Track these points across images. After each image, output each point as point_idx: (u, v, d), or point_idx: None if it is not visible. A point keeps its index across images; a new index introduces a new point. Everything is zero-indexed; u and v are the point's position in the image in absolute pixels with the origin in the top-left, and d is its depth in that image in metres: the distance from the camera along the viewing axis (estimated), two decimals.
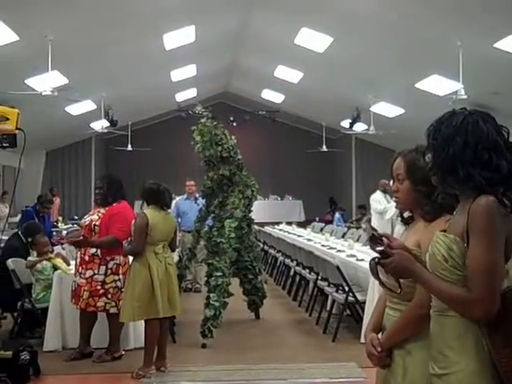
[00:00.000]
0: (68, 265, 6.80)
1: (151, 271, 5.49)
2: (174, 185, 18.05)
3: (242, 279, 7.87)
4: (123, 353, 6.10)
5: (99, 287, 5.93)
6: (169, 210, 5.95)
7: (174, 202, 12.28)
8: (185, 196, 10.61)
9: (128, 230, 5.71)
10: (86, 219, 6.21)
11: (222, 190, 7.61)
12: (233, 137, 7.55)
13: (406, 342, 2.37)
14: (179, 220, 10.29)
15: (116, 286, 5.94)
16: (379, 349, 2.43)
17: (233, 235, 7.19)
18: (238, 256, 7.63)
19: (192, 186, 10.10)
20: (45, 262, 6.83)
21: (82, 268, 6.02)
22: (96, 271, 5.96)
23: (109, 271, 5.95)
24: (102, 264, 5.96)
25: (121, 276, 5.96)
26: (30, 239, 7.32)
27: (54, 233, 11.96)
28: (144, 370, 5.53)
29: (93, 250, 6.01)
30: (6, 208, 12.22)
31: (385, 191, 11.80)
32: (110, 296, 5.91)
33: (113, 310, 5.93)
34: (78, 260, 6.13)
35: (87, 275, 5.97)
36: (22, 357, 5.21)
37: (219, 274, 7.04)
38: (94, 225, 6.03)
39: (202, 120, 7.38)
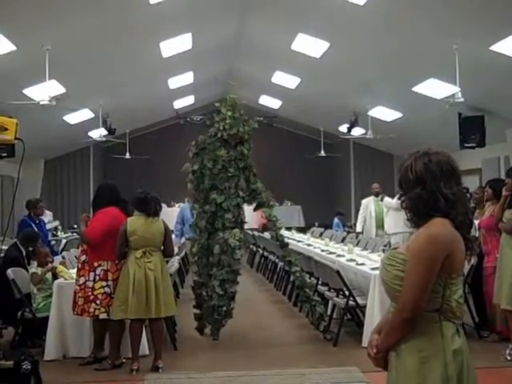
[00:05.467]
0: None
1: (129, 275, 5.79)
2: (173, 192, 18.14)
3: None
4: (124, 361, 6.09)
5: (90, 293, 6.01)
6: (156, 218, 6.07)
7: (179, 208, 12.40)
8: (189, 203, 10.70)
9: (99, 231, 5.96)
10: None
11: (225, 172, 7.22)
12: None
13: (397, 344, 2.40)
14: (183, 228, 10.32)
15: (105, 292, 5.99)
16: (375, 350, 2.47)
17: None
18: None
19: None
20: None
21: (77, 275, 6.18)
22: (87, 277, 6.06)
23: (97, 277, 6.03)
24: (91, 270, 6.05)
25: (109, 282, 6.00)
26: (30, 248, 7.31)
27: (54, 242, 11.94)
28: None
29: (83, 257, 6.10)
30: None
31: (376, 194, 11.93)
32: (98, 302, 5.96)
33: (102, 316, 5.99)
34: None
35: (80, 282, 6.08)
36: (24, 366, 5.20)
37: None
38: None
39: (231, 95, 7.21)
